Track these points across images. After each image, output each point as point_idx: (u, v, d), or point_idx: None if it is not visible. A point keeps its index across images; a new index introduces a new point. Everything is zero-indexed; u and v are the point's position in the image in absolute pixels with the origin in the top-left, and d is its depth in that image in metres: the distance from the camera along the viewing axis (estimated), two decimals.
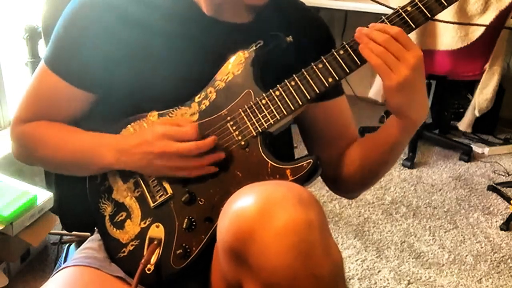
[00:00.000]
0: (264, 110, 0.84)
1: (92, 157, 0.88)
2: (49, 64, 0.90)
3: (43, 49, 1.05)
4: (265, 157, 0.83)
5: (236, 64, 0.86)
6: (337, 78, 0.83)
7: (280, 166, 0.82)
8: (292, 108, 0.84)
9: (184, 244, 0.84)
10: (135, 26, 0.86)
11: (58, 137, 0.91)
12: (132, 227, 0.88)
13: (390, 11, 0.84)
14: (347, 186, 0.98)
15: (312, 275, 0.64)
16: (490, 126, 3.00)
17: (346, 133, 0.99)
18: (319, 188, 2.22)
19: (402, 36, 0.79)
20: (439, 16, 0.85)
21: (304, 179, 0.81)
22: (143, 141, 0.83)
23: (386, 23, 0.83)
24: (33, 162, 0.98)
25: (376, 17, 0.84)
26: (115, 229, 0.90)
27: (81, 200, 0.94)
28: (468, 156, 2.72)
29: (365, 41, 0.80)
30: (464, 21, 2.24)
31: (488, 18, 2.22)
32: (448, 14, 2.20)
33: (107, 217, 0.91)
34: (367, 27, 0.81)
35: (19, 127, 0.94)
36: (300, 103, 0.84)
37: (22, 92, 0.95)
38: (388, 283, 1.79)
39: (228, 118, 0.86)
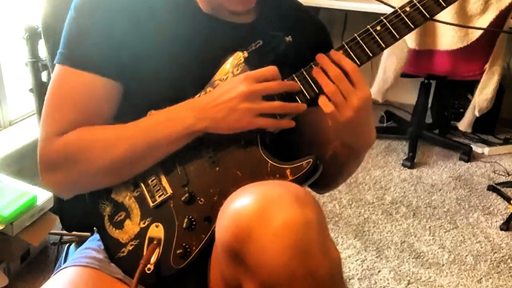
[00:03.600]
0: None
1: (169, 126, 0.83)
2: (69, 62, 0.86)
3: (43, 49, 1.04)
4: (264, 156, 0.83)
5: (234, 64, 0.86)
6: None
7: (280, 165, 0.82)
8: None
9: (184, 244, 0.84)
10: (136, 21, 0.86)
11: (115, 128, 0.86)
12: (132, 227, 0.88)
13: (390, 11, 0.84)
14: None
15: (309, 275, 0.64)
16: (490, 126, 2.99)
17: (328, 140, 0.96)
18: None
19: (354, 73, 0.81)
20: (439, 16, 0.85)
21: (304, 179, 0.81)
22: (227, 89, 0.81)
23: (385, 23, 0.83)
24: (79, 174, 0.87)
25: (376, 17, 0.84)
26: (114, 229, 0.90)
27: (81, 200, 0.94)
28: (468, 156, 2.72)
29: (319, 71, 0.82)
30: (464, 21, 2.24)
31: (488, 18, 2.22)
32: (448, 14, 2.20)
33: (106, 217, 0.91)
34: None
35: (57, 141, 0.85)
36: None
37: (46, 107, 0.87)
38: (388, 283, 1.79)
39: None
